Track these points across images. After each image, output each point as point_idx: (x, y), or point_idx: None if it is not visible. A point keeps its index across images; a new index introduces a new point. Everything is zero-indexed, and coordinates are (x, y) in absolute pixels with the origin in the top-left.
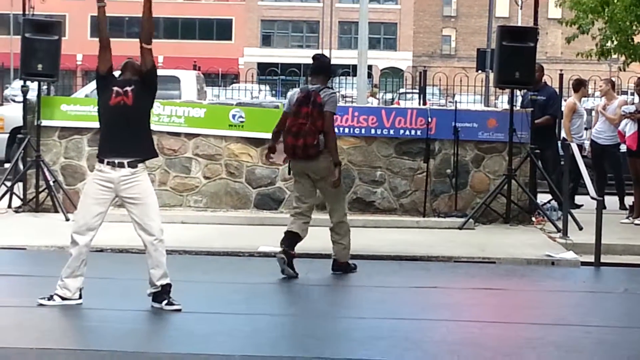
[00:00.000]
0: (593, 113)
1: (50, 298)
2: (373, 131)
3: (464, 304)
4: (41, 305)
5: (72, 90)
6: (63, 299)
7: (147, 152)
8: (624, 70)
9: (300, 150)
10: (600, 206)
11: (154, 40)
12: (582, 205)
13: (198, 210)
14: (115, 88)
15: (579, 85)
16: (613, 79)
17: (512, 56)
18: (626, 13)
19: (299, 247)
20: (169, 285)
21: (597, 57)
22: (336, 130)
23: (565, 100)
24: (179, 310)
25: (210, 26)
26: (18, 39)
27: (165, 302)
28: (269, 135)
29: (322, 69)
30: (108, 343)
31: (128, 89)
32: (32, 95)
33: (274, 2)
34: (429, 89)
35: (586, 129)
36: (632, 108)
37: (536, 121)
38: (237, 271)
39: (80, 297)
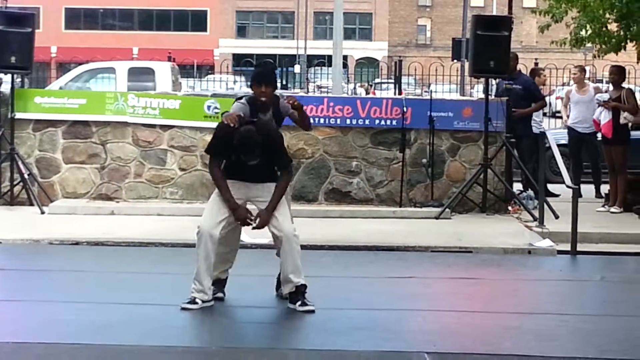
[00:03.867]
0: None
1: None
2: (348, 121)
3: (441, 293)
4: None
5: (47, 82)
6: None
7: None
8: (599, 58)
9: None
10: (576, 194)
11: (128, 32)
12: (559, 195)
13: (174, 202)
14: None
15: (533, 73)
16: (587, 67)
17: (487, 45)
18: (600, 2)
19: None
20: (303, 287)
21: (571, 45)
22: (312, 120)
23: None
24: (313, 311)
25: (185, 17)
26: None
27: (299, 303)
28: None
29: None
30: (85, 336)
31: None
32: (5, 88)
33: None
34: (404, 79)
35: (544, 114)
36: (606, 96)
37: (526, 110)
38: None
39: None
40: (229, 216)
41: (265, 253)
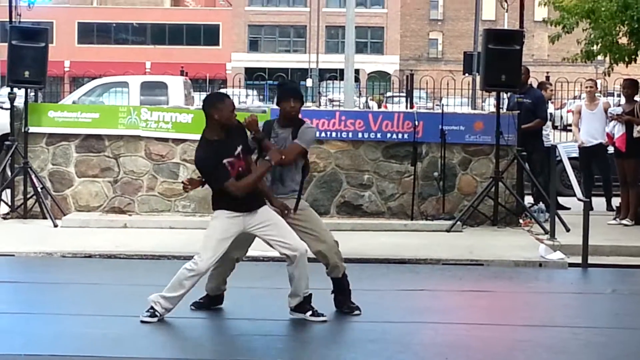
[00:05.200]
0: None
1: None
2: (360, 135)
3: (453, 306)
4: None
5: (60, 96)
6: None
7: None
8: (609, 75)
9: None
10: (588, 207)
11: (140, 47)
12: (569, 208)
13: (186, 215)
14: None
15: (540, 87)
16: (599, 80)
17: (498, 59)
18: (611, 20)
19: None
20: (310, 296)
21: (582, 60)
22: (324, 134)
23: (552, 102)
24: (325, 321)
25: (197, 32)
26: (5, 46)
27: (310, 312)
28: None
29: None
30: (97, 349)
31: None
32: (19, 102)
33: (261, 7)
34: (416, 93)
35: (555, 127)
36: (619, 110)
37: (525, 126)
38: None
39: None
40: (223, 252)
41: (275, 266)
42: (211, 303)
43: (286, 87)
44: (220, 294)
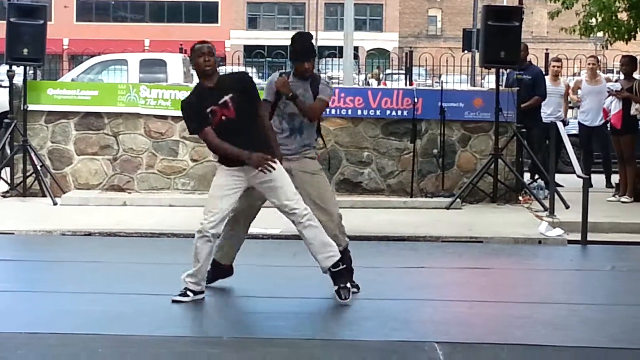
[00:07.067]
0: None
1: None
2: (360, 112)
3: (452, 283)
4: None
5: (59, 74)
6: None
7: None
8: (607, 48)
9: None
10: (587, 184)
11: (139, 24)
12: (562, 186)
13: (186, 193)
14: None
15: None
16: (599, 57)
17: (498, 36)
18: None
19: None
20: (338, 266)
21: (581, 33)
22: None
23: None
24: (346, 303)
25: (196, 9)
26: (3, 23)
27: (335, 288)
28: None
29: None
30: (97, 327)
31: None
32: (18, 80)
33: None
34: (415, 70)
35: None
36: (617, 86)
37: (523, 105)
38: None
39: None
40: (228, 207)
41: (276, 243)
42: (214, 274)
43: (298, 48)
44: (226, 265)
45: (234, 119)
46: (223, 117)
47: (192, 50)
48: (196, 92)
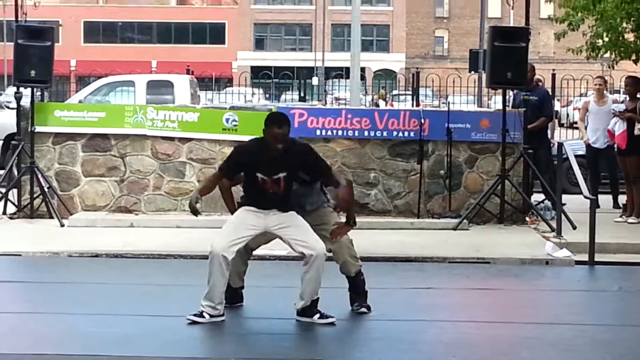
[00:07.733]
0: (577, 111)
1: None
2: (366, 133)
3: (459, 304)
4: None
5: (66, 96)
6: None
7: None
8: (613, 68)
9: None
10: (594, 205)
11: (147, 45)
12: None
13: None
14: None
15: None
16: (606, 77)
17: (504, 56)
18: (617, 10)
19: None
20: (317, 300)
21: (587, 54)
22: (330, 132)
23: (558, 100)
24: (333, 323)
25: (203, 30)
26: (11, 45)
27: (317, 315)
28: None
29: None
30: (104, 348)
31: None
32: (25, 102)
33: (267, 5)
34: (422, 90)
35: (562, 125)
36: (621, 107)
37: (530, 126)
38: None
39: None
40: (243, 238)
41: (282, 264)
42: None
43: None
44: (236, 290)
45: (278, 194)
46: (271, 190)
47: (268, 118)
48: (257, 147)
